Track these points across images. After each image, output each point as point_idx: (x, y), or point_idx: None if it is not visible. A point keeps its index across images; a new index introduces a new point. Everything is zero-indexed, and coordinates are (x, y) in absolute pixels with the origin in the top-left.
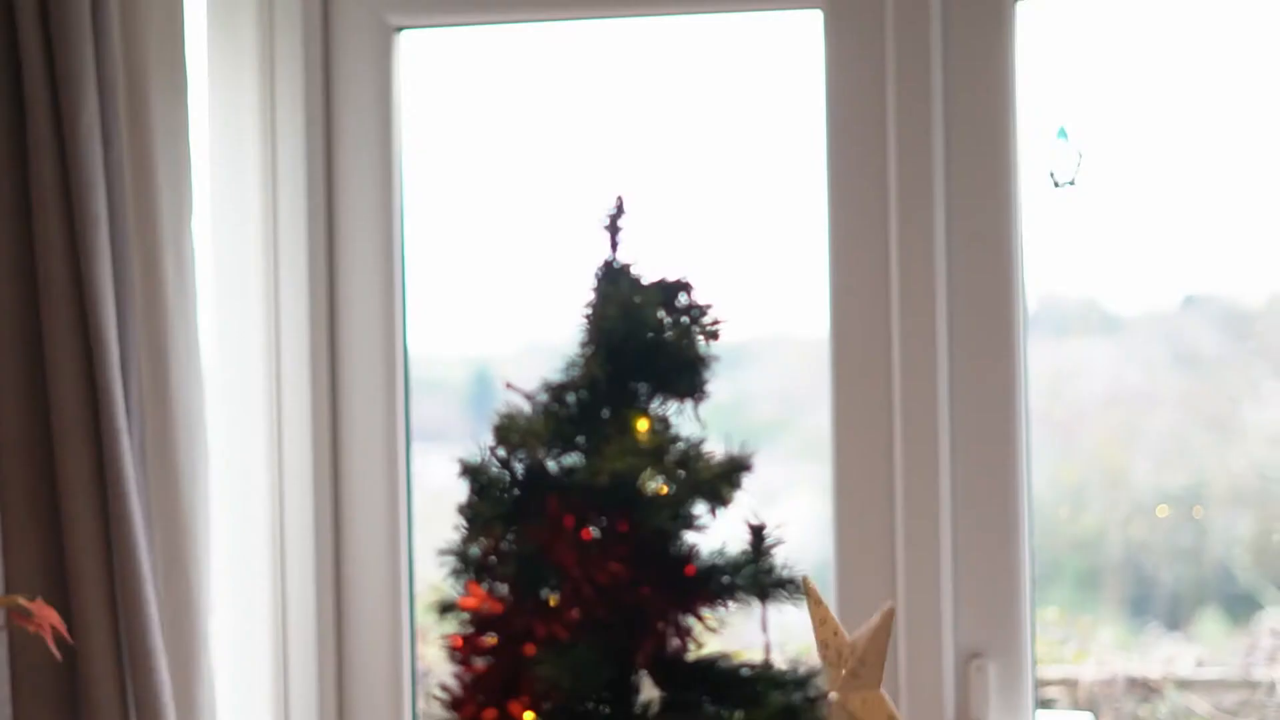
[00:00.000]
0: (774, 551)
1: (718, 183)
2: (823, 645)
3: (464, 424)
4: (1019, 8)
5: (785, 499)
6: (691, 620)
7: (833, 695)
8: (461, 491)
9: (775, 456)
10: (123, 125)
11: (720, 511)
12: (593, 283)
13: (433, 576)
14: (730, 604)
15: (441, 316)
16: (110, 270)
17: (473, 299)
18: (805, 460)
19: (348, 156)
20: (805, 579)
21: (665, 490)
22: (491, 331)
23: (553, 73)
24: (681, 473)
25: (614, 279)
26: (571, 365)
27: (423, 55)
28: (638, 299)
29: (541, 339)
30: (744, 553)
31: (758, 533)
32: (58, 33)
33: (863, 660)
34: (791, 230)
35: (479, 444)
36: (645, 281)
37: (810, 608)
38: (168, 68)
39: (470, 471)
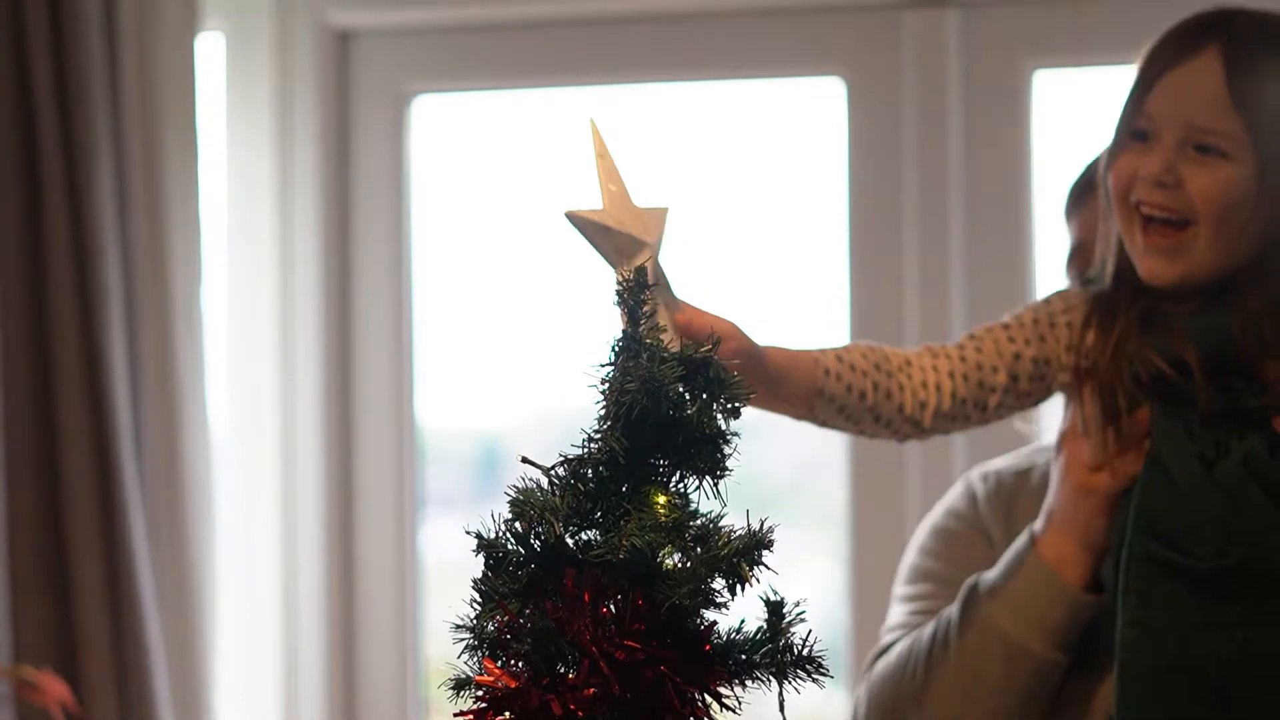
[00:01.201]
0: (793, 630)
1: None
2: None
3: (471, 495)
4: (1036, 77)
5: (799, 566)
6: (709, 699)
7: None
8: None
9: (789, 523)
10: (137, 195)
11: (740, 589)
12: (611, 355)
13: (439, 648)
14: (748, 683)
15: (449, 388)
16: (123, 341)
17: (480, 370)
18: (819, 528)
19: (362, 221)
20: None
21: (683, 567)
22: (499, 403)
23: (569, 138)
24: (700, 550)
25: (634, 352)
26: (590, 439)
27: (436, 120)
28: (658, 373)
29: (550, 411)
30: (761, 630)
31: (776, 610)
32: (73, 102)
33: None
34: (811, 297)
35: (494, 517)
36: (666, 355)
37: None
38: (181, 135)
39: (486, 546)
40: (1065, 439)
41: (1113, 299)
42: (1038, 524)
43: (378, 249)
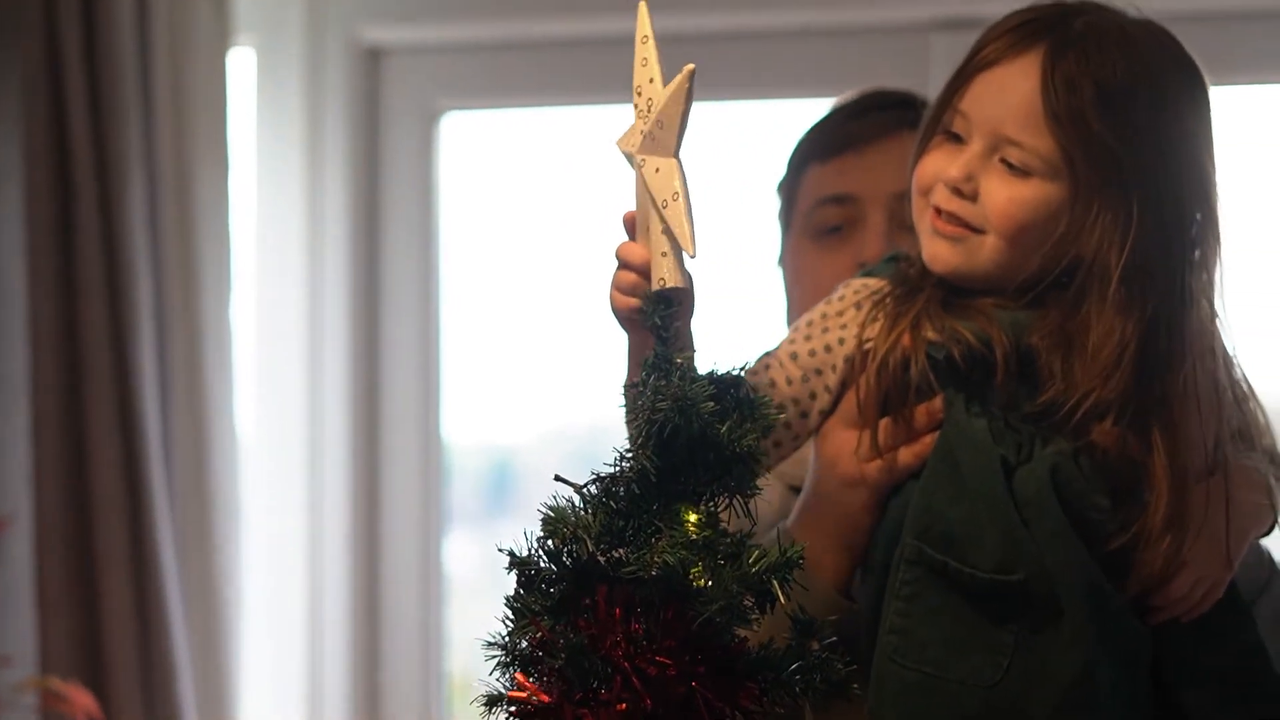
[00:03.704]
0: (821, 648)
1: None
2: (636, 90)
3: (484, 510)
4: None
5: None
6: (740, 715)
7: (633, 152)
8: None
9: None
10: (168, 207)
11: (770, 606)
12: (643, 374)
13: (461, 661)
14: (777, 700)
15: (465, 403)
16: (152, 355)
17: (496, 386)
18: None
19: (390, 237)
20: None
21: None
22: (513, 419)
23: (593, 155)
24: (731, 567)
25: (666, 372)
26: (621, 457)
27: (465, 137)
28: (690, 392)
29: (563, 427)
30: (789, 648)
31: (805, 628)
32: (106, 117)
33: (660, 121)
34: None
35: (526, 535)
36: (697, 374)
37: (637, 38)
38: (213, 150)
39: (518, 564)
40: (830, 428)
41: (916, 280)
42: (789, 519)
43: (406, 264)
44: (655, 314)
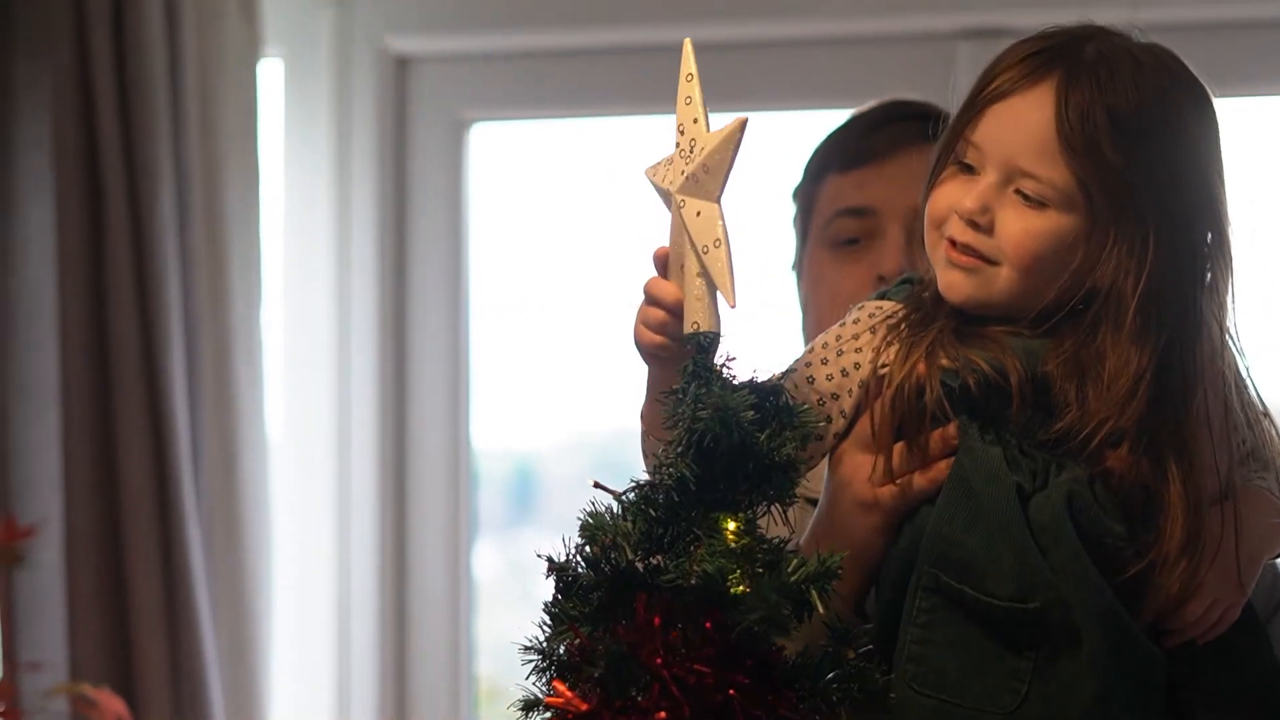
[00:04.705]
0: (857, 656)
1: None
2: (679, 129)
3: (506, 517)
4: None
5: None
6: None
7: (673, 191)
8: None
9: None
10: (197, 215)
11: (808, 616)
12: (682, 382)
13: (488, 667)
14: (815, 709)
15: (487, 410)
16: (182, 357)
17: (518, 393)
18: None
19: (418, 246)
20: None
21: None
22: (534, 425)
23: (619, 166)
24: (770, 576)
25: (706, 380)
26: (661, 465)
27: (494, 147)
28: (730, 402)
29: (585, 434)
30: (825, 656)
31: (841, 637)
32: (136, 127)
33: (706, 165)
34: None
35: (564, 541)
36: (736, 383)
37: (681, 75)
38: (242, 159)
39: (556, 569)
40: (844, 450)
41: (931, 307)
42: (802, 536)
43: (434, 272)
44: (691, 360)
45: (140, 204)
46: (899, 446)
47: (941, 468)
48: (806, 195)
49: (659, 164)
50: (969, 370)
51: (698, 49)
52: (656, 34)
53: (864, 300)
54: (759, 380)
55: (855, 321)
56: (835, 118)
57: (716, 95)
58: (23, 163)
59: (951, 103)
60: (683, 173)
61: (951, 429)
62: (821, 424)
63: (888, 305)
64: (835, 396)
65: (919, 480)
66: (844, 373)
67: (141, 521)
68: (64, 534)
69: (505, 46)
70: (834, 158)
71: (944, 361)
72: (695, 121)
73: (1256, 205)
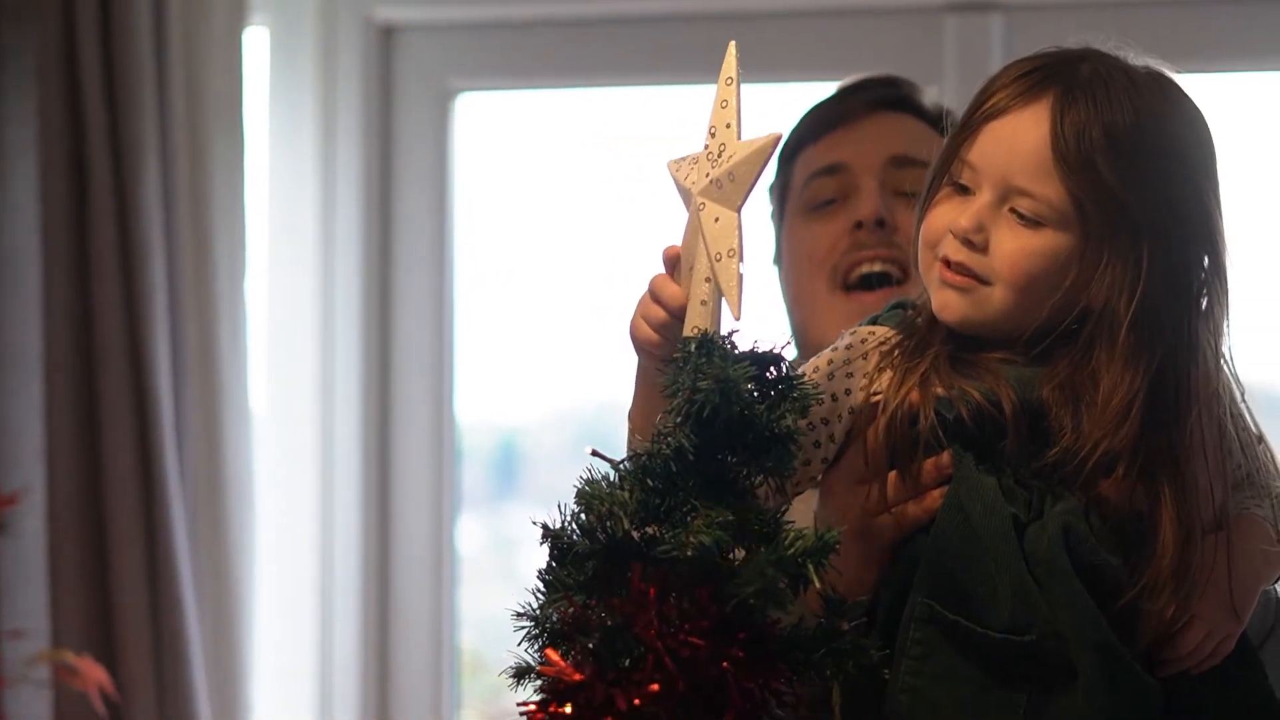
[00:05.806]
0: (852, 629)
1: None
2: (710, 131)
3: (489, 491)
4: None
5: None
6: (770, 697)
7: (695, 193)
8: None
9: None
10: (182, 185)
11: (803, 588)
12: (682, 353)
13: (471, 640)
14: (807, 681)
15: (471, 383)
16: (166, 334)
17: (502, 366)
18: None
19: (404, 217)
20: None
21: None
22: (518, 399)
23: (607, 138)
24: (767, 550)
25: (707, 351)
26: (659, 435)
27: (480, 118)
28: (731, 372)
29: (569, 409)
30: (819, 628)
31: (835, 608)
32: (120, 96)
33: (732, 173)
34: None
35: (560, 508)
36: (738, 355)
37: (721, 79)
38: (227, 128)
39: (551, 536)
40: (837, 478)
41: (925, 332)
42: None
43: (419, 245)
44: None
45: (124, 174)
46: (892, 475)
47: (935, 497)
48: (783, 178)
49: (684, 160)
50: (962, 401)
51: (683, 19)
52: (644, 4)
53: (855, 327)
54: (759, 349)
55: (848, 347)
56: (822, 91)
57: (702, 68)
58: (6, 133)
59: (943, 77)
60: (707, 175)
61: (945, 458)
62: (819, 393)
63: (880, 331)
64: (825, 422)
65: (913, 509)
66: (834, 398)
67: (125, 492)
68: (47, 503)
69: (492, 16)
70: (804, 131)
71: (938, 390)
72: (729, 127)
73: (1243, 182)
